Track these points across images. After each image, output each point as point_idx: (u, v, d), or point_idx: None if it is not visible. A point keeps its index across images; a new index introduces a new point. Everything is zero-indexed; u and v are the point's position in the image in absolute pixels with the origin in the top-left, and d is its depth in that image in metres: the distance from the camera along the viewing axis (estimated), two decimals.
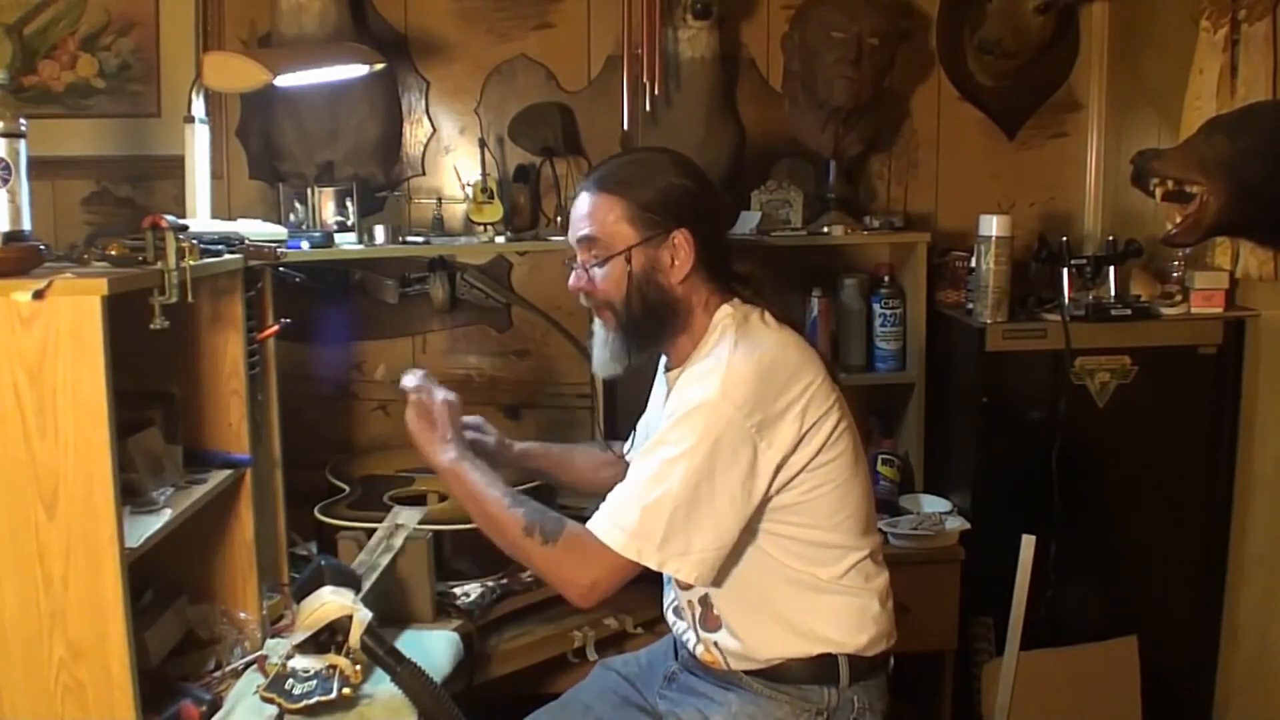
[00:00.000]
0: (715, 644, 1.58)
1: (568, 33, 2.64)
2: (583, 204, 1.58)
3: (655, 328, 1.58)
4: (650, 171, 1.57)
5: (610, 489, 1.54)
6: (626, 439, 1.86)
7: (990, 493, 2.44)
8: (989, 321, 2.41)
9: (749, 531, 1.49)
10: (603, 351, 1.62)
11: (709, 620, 1.57)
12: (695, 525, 1.43)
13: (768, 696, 1.55)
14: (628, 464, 1.82)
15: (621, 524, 1.44)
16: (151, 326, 1.38)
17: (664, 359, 1.69)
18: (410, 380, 1.65)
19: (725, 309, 1.57)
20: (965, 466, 2.46)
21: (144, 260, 1.40)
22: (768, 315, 1.58)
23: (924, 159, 2.79)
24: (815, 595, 1.53)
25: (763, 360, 1.47)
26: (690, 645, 1.64)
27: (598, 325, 1.63)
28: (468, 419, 1.73)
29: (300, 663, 1.53)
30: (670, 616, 1.70)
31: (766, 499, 1.48)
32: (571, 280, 1.61)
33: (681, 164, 1.60)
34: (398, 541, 1.86)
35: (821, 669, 1.53)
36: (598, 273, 1.57)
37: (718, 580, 1.51)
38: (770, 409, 1.45)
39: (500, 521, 1.50)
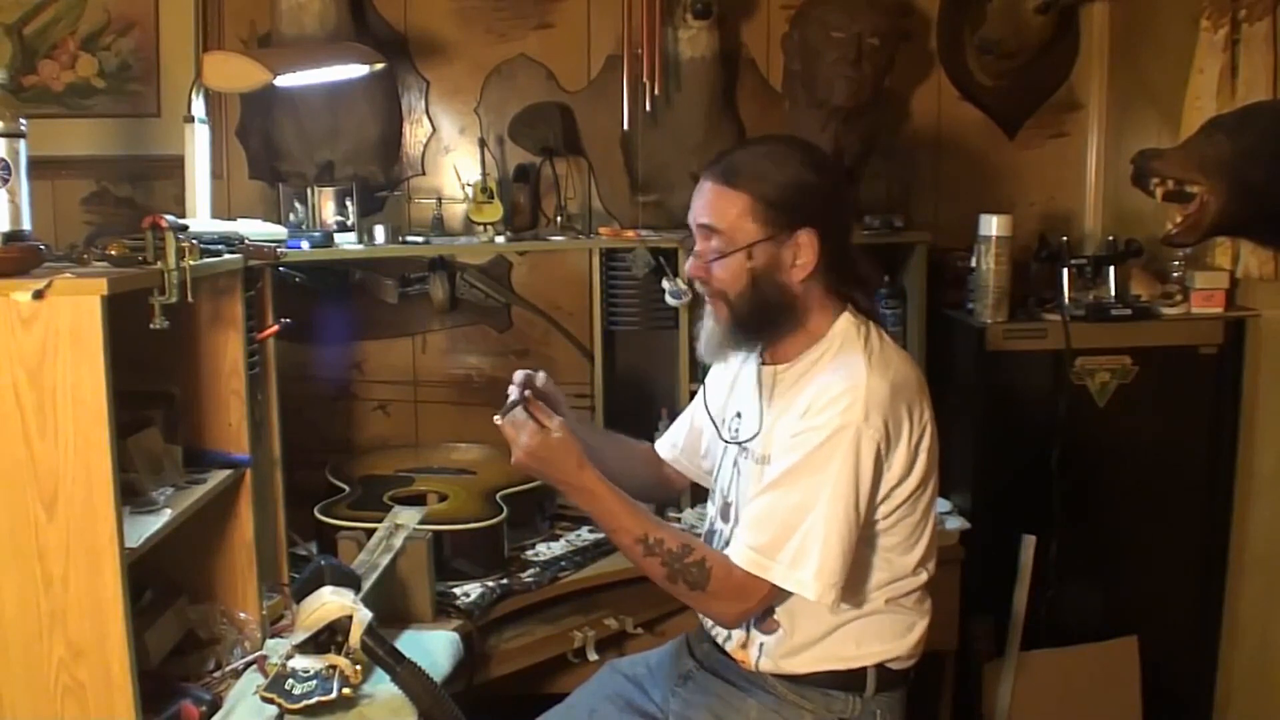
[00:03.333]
0: (760, 644, 1.57)
1: (568, 33, 2.64)
2: (706, 193, 1.54)
3: (767, 324, 1.55)
4: (779, 165, 1.51)
5: (647, 492, 1.63)
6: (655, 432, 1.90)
7: (990, 493, 2.44)
8: (989, 321, 2.41)
9: None
10: (710, 339, 1.60)
11: (766, 622, 1.56)
12: (844, 551, 1.43)
13: (791, 702, 1.54)
14: (663, 462, 1.85)
15: (773, 555, 1.44)
16: (151, 326, 1.38)
17: (740, 357, 1.66)
18: (516, 392, 1.57)
19: (847, 318, 1.55)
20: (965, 466, 2.46)
21: (144, 260, 1.40)
22: (884, 334, 1.56)
23: (924, 159, 2.79)
24: (875, 615, 1.54)
25: (896, 383, 1.47)
26: (720, 638, 1.63)
27: (707, 312, 1.60)
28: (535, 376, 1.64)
29: (300, 663, 1.52)
30: None
31: (870, 519, 1.49)
32: (689, 267, 1.58)
33: (814, 158, 1.54)
34: (398, 541, 1.86)
35: (850, 678, 1.54)
36: (716, 264, 1.53)
37: None
38: (897, 432, 1.46)
39: (640, 565, 1.51)
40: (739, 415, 1.66)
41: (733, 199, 1.51)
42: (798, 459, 1.45)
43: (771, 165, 1.52)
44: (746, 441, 1.61)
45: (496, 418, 1.55)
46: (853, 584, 1.50)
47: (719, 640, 1.64)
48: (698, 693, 1.63)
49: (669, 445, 1.85)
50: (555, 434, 1.52)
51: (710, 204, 1.53)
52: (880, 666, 1.54)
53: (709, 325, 1.59)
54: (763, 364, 1.61)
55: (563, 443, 1.52)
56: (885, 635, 1.54)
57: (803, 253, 1.50)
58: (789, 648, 1.54)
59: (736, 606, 1.49)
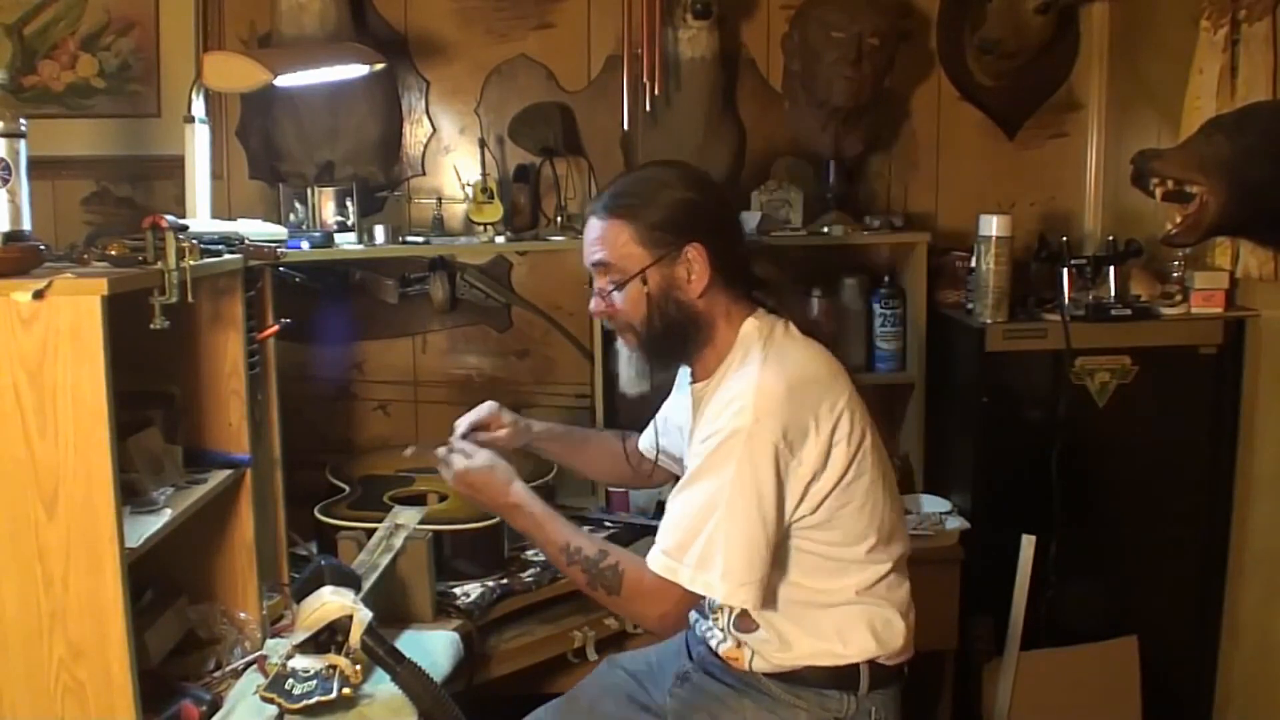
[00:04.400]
0: (746, 644, 1.57)
1: (568, 33, 2.64)
2: (593, 229, 1.58)
3: (678, 344, 1.58)
4: (656, 189, 1.56)
5: (620, 481, 1.70)
6: (641, 431, 1.89)
7: (990, 493, 2.44)
8: (989, 321, 2.41)
9: (781, 548, 1.49)
10: (628, 370, 1.64)
11: (745, 623, 1.57)
12: (753, 552, 1.43)
13: (787, 702, 1.55)
14: (642, 457, 1.87)
15: (679, 558, 1.45)
16: (151, 326, 1.38)
17: (687, 370, 1.68)
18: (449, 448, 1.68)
19: (751, 322, 1.57)
20: (965, 466, 2.46)
21: (144, 260, 1.40)
22: (793, 327, 1.57)
23: (924, 159, 2.79)
24: (847, 607, 1.53)
25: (792, 378, 1.47)
26: (713, 642, 1.64)
27: (621, 344, 1.64)
28: (477, 414, 1.78)
29: (300, 663, 1.53)
30: (692, 612, 1.69)
31: (797, 518, 1.49)
32: (592, 305, 1.62)
33: (689, 176, 1.59)
34: (398, 541, 1.86)
35: (843, 676, 1.54)
36: (616, 296, 1.57)
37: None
38: (801, 427, 1.45)
39: (566, 574, 1.59)
40: (655, 423, 1.75)
41: (617, 229, 1.55)
42: (699, 464, 1.47)
43: (648, 190, 1.56)
44: (682, 459, 1.66)
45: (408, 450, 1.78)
46: (809, 581, 1.51)
47: (711, 643, 1.64)
48: (694, 694, 1.64)
49: (649, 444, 1.88)
50: (478, 460, 1.63)
51: (598, 239, 1.57)
52: (871, 663, 1.54)
53: (624, 356, 1.64)
54: (692, 383, 1.65)
55: (488, 467, 1.62)
56: (866, 629, 1.54)
57: (694, 267, 1.54)
58: (775, 645, 1.54)
59: (653, 609, 1.50)
